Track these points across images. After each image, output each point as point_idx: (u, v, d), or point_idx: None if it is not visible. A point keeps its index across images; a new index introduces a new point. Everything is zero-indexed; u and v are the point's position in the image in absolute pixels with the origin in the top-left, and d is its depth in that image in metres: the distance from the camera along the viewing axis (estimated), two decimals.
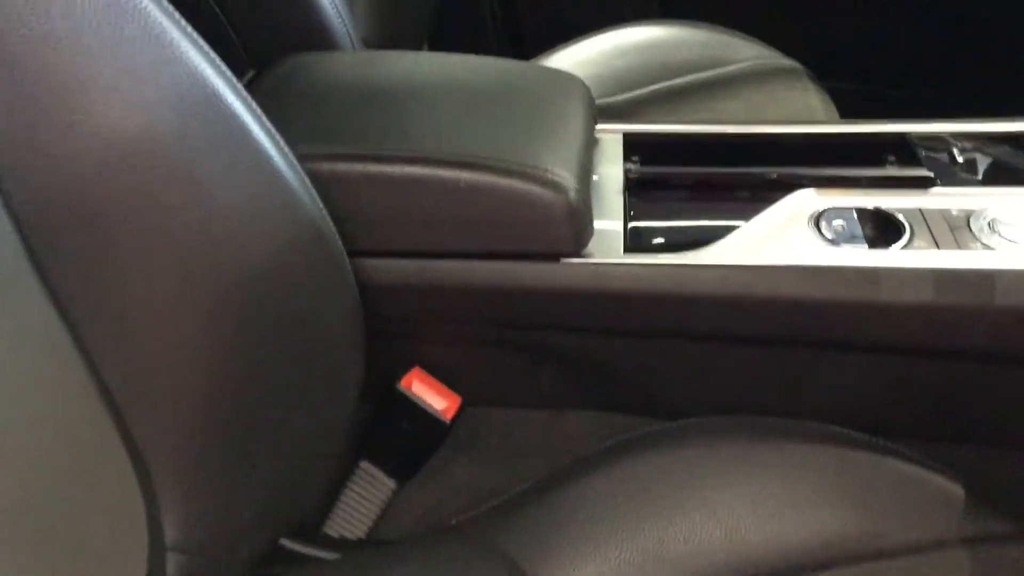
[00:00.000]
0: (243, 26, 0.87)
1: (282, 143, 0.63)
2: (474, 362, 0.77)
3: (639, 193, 0.78)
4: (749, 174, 0.79)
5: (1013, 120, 0.83)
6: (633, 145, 0.86)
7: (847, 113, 1.24)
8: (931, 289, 0.66)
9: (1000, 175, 0.78)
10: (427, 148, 0.69)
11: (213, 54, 0.60)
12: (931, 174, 0.76)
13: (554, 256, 0.70)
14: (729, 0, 1.49)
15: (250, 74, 0.87)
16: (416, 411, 0.73)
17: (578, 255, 0.70)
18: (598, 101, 1.32)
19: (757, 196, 0.77)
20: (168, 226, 0.58)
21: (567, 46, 1.38)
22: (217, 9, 0.87)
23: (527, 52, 1.41)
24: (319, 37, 0.88)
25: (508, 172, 0.68)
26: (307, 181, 0.64)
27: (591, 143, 0.77)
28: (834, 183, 0.77)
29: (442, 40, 1.47)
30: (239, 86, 0.61)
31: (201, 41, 0.60)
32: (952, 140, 0.82)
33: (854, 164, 0.83)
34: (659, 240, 0.74)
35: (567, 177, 0.68)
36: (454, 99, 0.75)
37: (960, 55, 1.48)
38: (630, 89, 1.32)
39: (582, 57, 1.37)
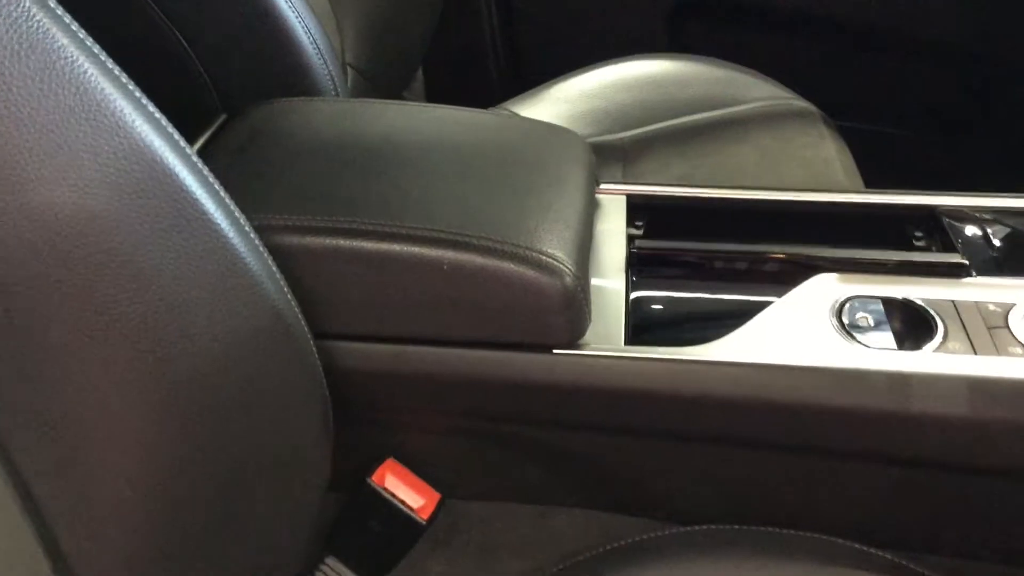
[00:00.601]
0: (215, 66, 0.80)
1: (241, 219, 0.56)
2: (454, 453, 0.70)
3: (643, 270, 0.71)
4: (764, 253, 0.72)
5: None
6: (637, 208, 0.79)
7: (860, 156, 1.17)
8: (966, 401, 0.59)
9: None
10: (408, 222, 0.62)
11: (164, 121, 0.53)
12: (965, 261, 0.69)
13: (546, 347, 0.62)
14: (740, 35, 1.42)
15: (221, 119, 0.80)
16: (389, 509, 0.66)
17: (574, 346, 0.62)
18: (599, 138, 1.27)
19: (773, 278, 0.70)
20: (104, 322, 0.51)
21: (569, 77, 1.31)
22: (188, 48, 0.79)
23: (528, 81, 1.34)
24: (298, 79, 0.81)
25: (498, 253, 0.60)
26: (269, 260, 0.57)
27: (591, 215, 0.70)
28: (858, 266, 0.69)
29: (438, 67, 1.40)
30: (192, 156, 0.54)
31: (151, 107, 0.53)
32: (985, 217, 0.75)
33: (878, 241, 0.76)
34: (664, 329, 0.67)
35: (564, 259, 0.61)
36: (440, 162, 0.68)
37: (976, 99, 1.41)
38: (634, 126, 1.25)
39: (584, 89, 1.30)
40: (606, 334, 0.64)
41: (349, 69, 1.20)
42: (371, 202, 0.63)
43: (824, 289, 0.67)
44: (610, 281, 0.69)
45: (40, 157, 0.47)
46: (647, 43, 1.38)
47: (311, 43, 0.81)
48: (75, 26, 0.50)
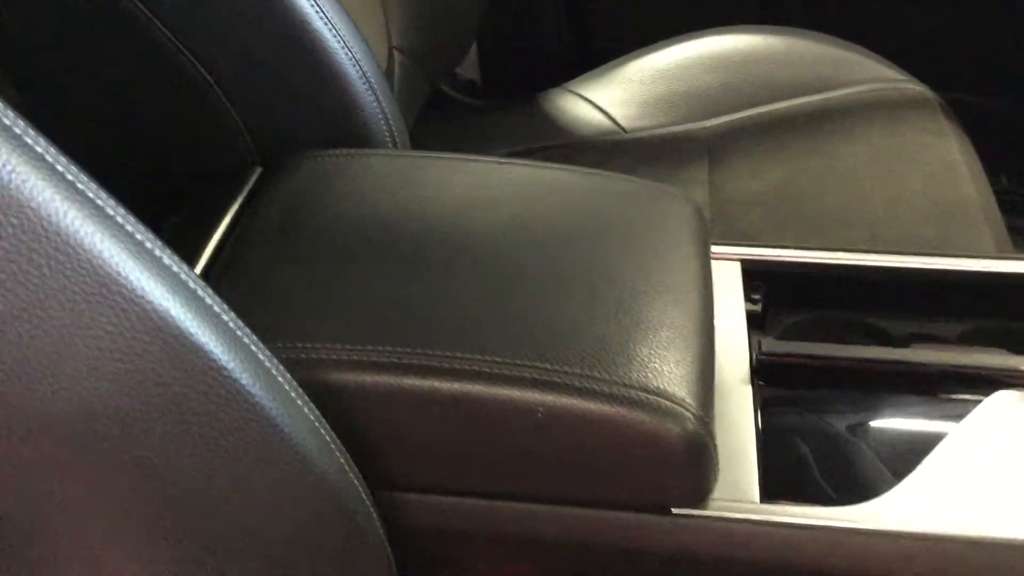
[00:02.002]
0: (248, 107, 0.66)
1: (284, 382, 0.44)
2: None
3: (771, 385, 0.58)
4: (922, 364, 0.58)
5: None
6: (754, 274, 0.65)
7: (978, 141, 1.02)
8: None
9: None
10: (491, 354, 0.49)
11: (177, 266, 0.40)
12: None
13: (664, 507, 0.50)
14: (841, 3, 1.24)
15: (256, 173, 0.67)
16: None
17: (697, 505, 0.50)
18: (679, 127, 1.11)
19: (938, 392, 0.57)
20: (113, 526, 0.41)
21: (643, 54, 1.15)
22: (218, 90, 0.66)
23: (595, 58, 1.18)
24: (346, 122, 0.67)
25: (604, 396, 0.48)
26: (318, 426, 0.45)
27: (712, 318, 0.56)
28: None
29: (493, 41, 1.24)
30: (222, 315, 0.42)
31: (158, 250, 0.40)
32: None
33: None
34: (806, 475, 0.54)
35: (686, 400, 0.48)
36: (525, 254, 0.55)
37: None
38: (719, 113, 1.10)
39: (660, 68, 1.14)
40: (734, 484, 0.52)
41: (396, 53, 1.06)
42: (444, 322, 0.51)
43: (1006, 412, 0.54)
44: (735, 407, 0.56)
45: (16, 351, 0.36)
46: (733, 13, 1.21)
47: (360, 77, 0.66)
48: (51, 155, 0.36)
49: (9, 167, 0.35)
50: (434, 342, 0.50)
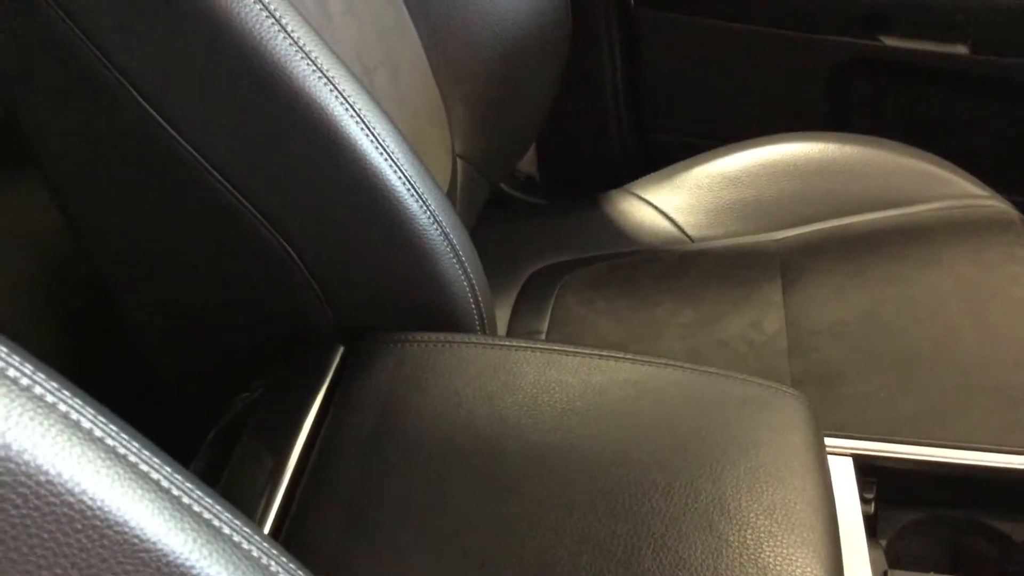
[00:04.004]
0: (328, 277, 0.63)
1: None
2: None
3: None
4: None
5: None
6: (867, 469, 0.62)
7: None
8: None
9: None
10: None
11: (233, 523, 0.34)
12: None
13: None
14: (916, 112, 1.20)
15: (339, 353, 0.63)
16: None
17: None
18: (749, 238, 1.07)
19: None
20: None
21: (712, 157, 1.11)
22: (294, 255, 0.62)
23: (656, 159, 1.15)
24: (431, 294, 0.63)
25: None
26: None
27: (838, 546, 0.52)
28: None
29: (553, 140, 1.21)
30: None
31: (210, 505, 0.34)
32: None
33: None
34: None
35: None
36: (633, 480, 0.51)
37: None
38: (793, 224, 1.06)
39: (728, 174, 1.10)
40: None
41: (459, 160, 1.03)
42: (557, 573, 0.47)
43: None
44: None
45: None
46: (799, 116, 1.17)
47: (449, 252, 0.63)
48: (91, 422, 0.30)
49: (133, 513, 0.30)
50: None
